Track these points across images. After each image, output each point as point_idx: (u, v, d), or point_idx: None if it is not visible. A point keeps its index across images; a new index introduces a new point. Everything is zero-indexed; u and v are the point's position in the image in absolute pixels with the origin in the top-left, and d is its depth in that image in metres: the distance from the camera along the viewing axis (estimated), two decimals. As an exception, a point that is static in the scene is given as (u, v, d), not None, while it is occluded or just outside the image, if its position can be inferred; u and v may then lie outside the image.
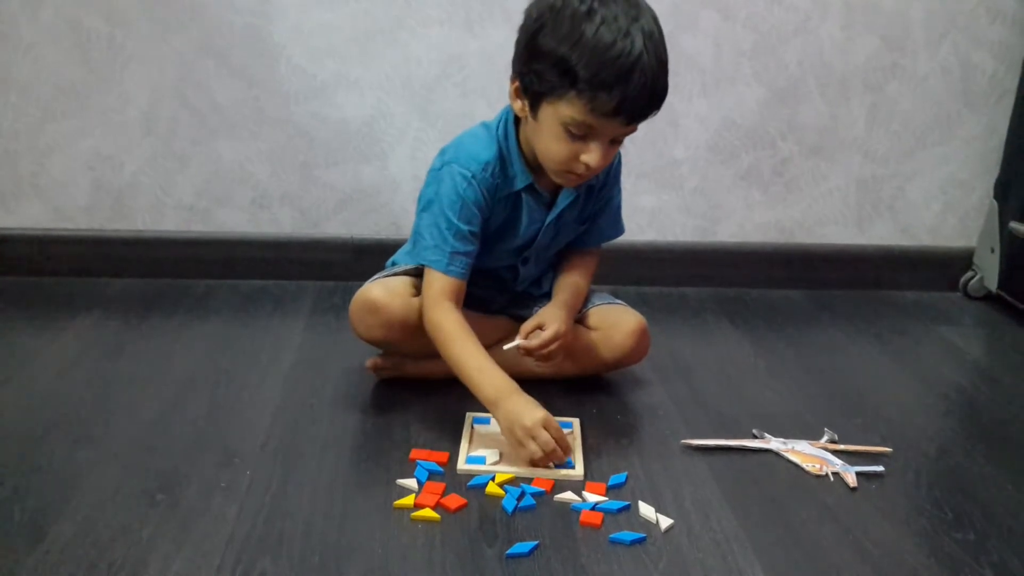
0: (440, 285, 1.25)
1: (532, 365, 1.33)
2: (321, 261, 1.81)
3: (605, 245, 1.46)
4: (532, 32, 1.16)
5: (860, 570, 1.00)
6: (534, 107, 1.19)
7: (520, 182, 1.28)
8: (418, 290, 1.31)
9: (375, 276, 1.38)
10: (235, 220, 1.81)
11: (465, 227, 1.25)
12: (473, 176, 1.25)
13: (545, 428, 1.14)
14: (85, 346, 1.49)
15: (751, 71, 1.78)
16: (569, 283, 1.38)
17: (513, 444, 1.16)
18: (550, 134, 1.19)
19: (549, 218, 1.32)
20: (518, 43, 1.20)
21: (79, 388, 1.34)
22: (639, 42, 1.11)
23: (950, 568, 1.01)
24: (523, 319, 1.32)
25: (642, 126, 1.19)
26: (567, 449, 1.17)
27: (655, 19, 1.16)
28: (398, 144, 1.78)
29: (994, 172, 1.85)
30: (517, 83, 1.21)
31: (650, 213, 1.85)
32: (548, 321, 1.28)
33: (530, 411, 1.15)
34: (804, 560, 1.01)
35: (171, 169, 1.77)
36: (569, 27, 1.12)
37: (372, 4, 1.70)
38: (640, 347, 1.38)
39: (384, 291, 1.30)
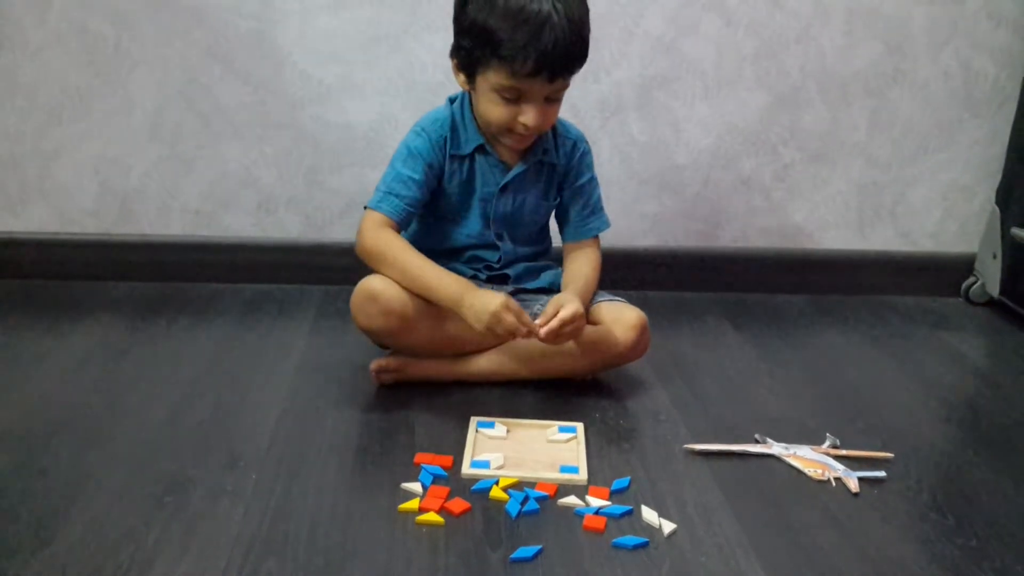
0: (374, 218, 1.35)
1: (540, 352, 1.34)
2: (326, 265, 1.81)
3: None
4: (459, 8, 1.30)
5: (862, 575, 1.00)
6: (471, 80, 1.32)
7: (472, 143, 1.38)
8: None
9: None
10: (241, 224, 1.81)
11: (406, 172, 1.35)
12: (423, 129, 1.38)
13: (507, 314, 1.24)
14: (91, 349, 1.49)
15: (753, 76, 1.79)
16: (579, 274, 1.42)
17: (483, 333, 1.27)
18: (487, 101, 1.31)
19: (504, 180, 1.39)
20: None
21: (85, 391, 1.35)
22: (547, 3, 1.22)
23: (952, 573, 1.01)
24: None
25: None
26: (528, 324, 1.26)
27: None
28: (402, 149, 1.78)
29: (996, 178, 1.86)
30: (455, 60, 1.32)
31: (652, 218, 1.85)
32: (565, 304, 1.30)
33: (489, 302, 1.25)
34: (806, 565, 1.01)
35: (177, 173, 1.78)
36: None
37: (377, 9, 1.71)
38: (641, 342, 1.39)
39: (383, 280, 1.33)
